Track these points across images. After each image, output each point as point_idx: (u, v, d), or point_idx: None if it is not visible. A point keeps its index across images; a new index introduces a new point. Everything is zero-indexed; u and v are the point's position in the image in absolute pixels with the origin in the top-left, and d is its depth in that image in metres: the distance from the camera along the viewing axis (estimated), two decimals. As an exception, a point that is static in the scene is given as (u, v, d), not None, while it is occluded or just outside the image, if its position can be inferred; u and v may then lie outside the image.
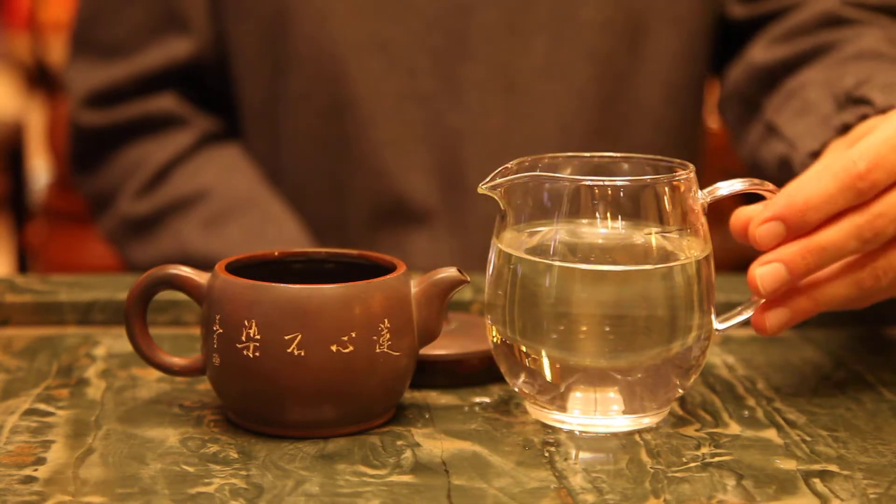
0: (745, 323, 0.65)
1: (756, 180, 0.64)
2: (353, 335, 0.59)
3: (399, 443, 0.60)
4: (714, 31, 1.04)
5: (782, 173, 0.84)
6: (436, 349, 0.66)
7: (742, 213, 0.66)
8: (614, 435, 0.61)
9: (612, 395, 0.61)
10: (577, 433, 0.61)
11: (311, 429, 0.60)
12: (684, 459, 0.59)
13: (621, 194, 0.60)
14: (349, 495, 0.54)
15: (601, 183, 0.60)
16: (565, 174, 0.63)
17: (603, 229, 0.61)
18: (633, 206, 0.61)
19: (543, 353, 0.61)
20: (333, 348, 0.58)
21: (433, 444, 0.60)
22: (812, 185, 0.62)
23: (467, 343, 0.68)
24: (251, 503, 0.53)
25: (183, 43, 1.02)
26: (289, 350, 0.58)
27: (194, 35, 1.01)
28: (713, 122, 1.36)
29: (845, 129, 0.77)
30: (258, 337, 0.58)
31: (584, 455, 0.59)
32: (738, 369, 0.72)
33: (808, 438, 0.61)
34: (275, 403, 0.60)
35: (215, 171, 1.02)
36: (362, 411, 0.61)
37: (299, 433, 0.60)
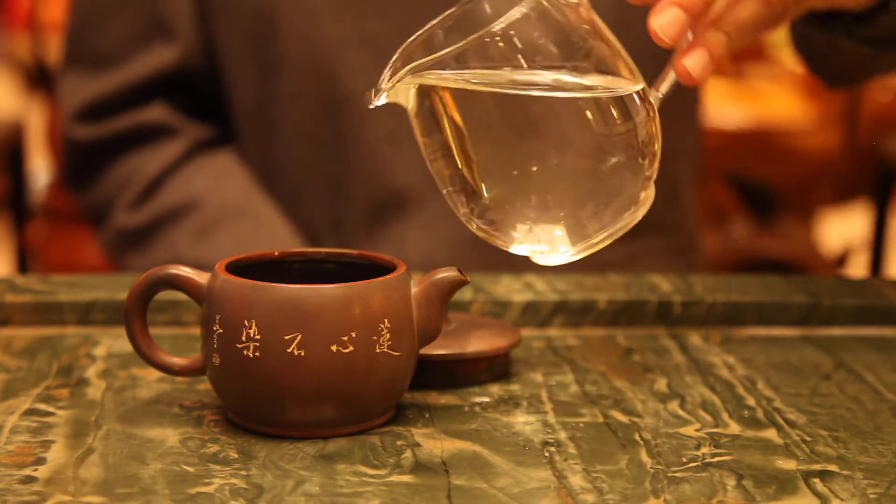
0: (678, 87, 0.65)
1: None
2: (353, 335, 0.59)
3: (399, 443, 0.60)
4: None
5: None
6: (436, 349, 0.66)
7: None
8: (614, 434, 0.61)
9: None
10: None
11: (311, 429, 0.60)
12: (684, 459, 0.59)
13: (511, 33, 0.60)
14: (349, 495, 0.54)
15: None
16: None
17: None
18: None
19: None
20: (333, 348, 0.58)
21: (433, 444, 0.60)
22: None
23: (467, 343, 0.68)
24: (251, 503, 0.53)
25: (169, 51, 1.01)
26: (289, 350, 0.58)
27: (180, 42, 1.01)
28: (710, 121, 1.36)
29: None
30: (258, 337, 0.59)
31: (584, 455, 0.59)
32: (738, 369, 0.72)
33: (808, 438, 0.61)
34: (275, 403, 0.60)
35: (207, 179, 1.02)
36: (362, 411, 0.61)
37: (299, 433, 0.60)
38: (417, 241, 0.99)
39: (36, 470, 0.56)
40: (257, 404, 0.60)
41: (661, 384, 0.69)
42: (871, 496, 0.55)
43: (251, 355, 0.59)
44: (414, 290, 0.62)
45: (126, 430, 0.61)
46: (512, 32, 0.60)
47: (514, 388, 0.68)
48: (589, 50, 0.61)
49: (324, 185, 1.01)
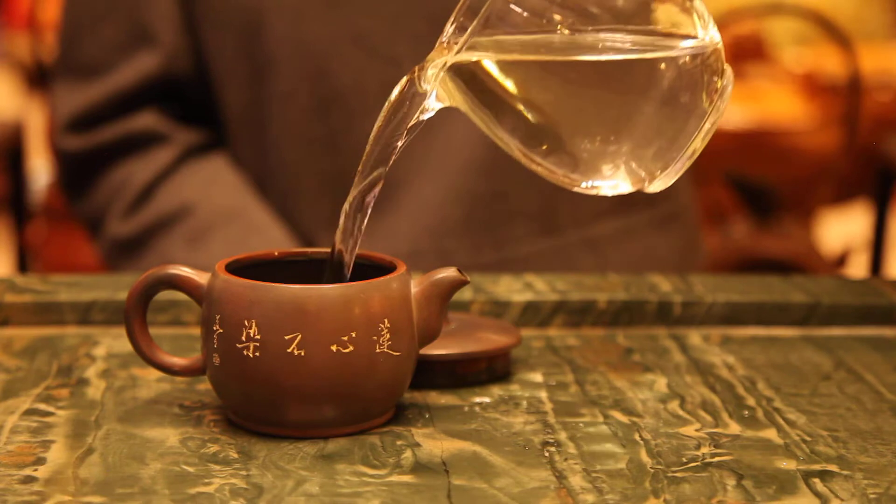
0: None
1: None
2: (353, 335, 0.59)
3: (399, 443, 0.60)
4: None
5: None
6: (436, 349, 0.66)
7: None
8: (614, 434, 0.61)
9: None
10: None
11: (311, 429, 0.60)
12: (684, 459, 0.59)
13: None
14: (349, 495, 0.54)
15: None
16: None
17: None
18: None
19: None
20: (333, 348, 0.58)
21: (433, 444, 0.60)
22: None
23: (467, 343, 0.68)
24: (251, 503, 0.53)
25: (153, 57, 1.01)
26: (289, 350, 0.58)
27: (164, 48, 1.00)
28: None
29: None
30: (258, 337, 0.59)
31: (584, 455, 0.59)
32: (738, 369, 0.72)
33: (808, 438, 0.61)
34: (275, 403, 0.60)
35: (198, 185, 1.02)
36: (362, 411, 0.61)
37: (299, 433, 0.60)
38: (406, 230, 0.99)
39: (36, 470, 0.56)
40: (257, 404, 0.60)
41: (661, 384, 0.69)
42: (871, 496, 0.55)
43: (251, 355, 0.59)
44: (414, 290, 0.62)
45: (126, 430, 0.61)
46: None
47: (514, 388, 0.68)
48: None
49: (318, 184, 1.01)
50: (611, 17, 0.61)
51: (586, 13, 0.61)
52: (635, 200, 1.00)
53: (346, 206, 0.62)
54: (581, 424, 0.63)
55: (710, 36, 0.61)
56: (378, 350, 0.59)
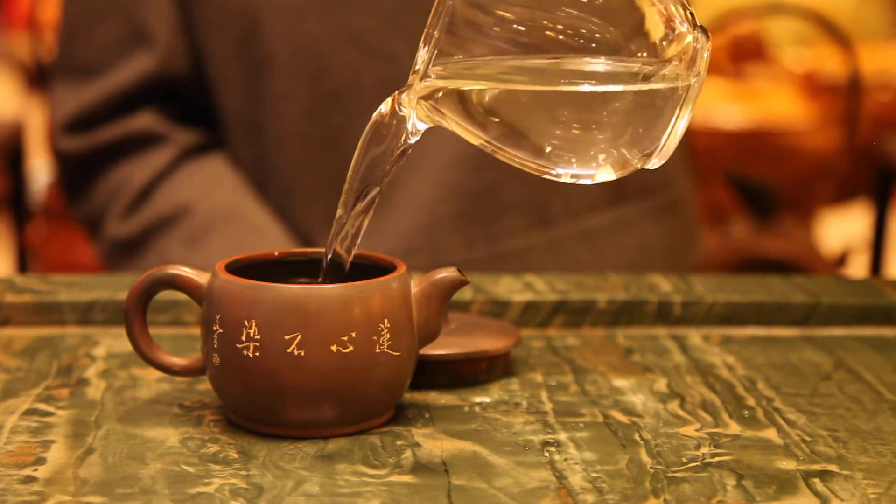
0: None
1: None
2: (353, 335, 0.59)
3: (399, 443, 0.60)
4: None
5: None
6: (436, 349, 0.66)
7: None
8: (614, 434, 0.61)
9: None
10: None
11: (311, 429, 0.60)
12: (684, 459, 0.59)
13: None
14: (349, 495, 0.54)
15: None
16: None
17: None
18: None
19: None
20: (333, 348, 0.58)
21: (433, 444, 0.60)
22: None
23: (467, 343, 0.68)
24: (251, 503, 0.53)
25: (149, 58, 1.01)
26: (289, 350, 0.58)
27: (160, 48, 1.00)
28: (710, 121, 1.36)
29: None
30: (258, 337, 0.59)
31: (584, 455, 0.59)
32: (738, 369, 0.72)
33: (808, 438, 0.61)
34: (275, 403, 0.60)
35: (196, 185, 1.01)
36: (362, 411, 0.61)
37: (299, 433, 0.60)
38: (400, 228, 0.99)
39: (36, 470, 0.56)
40: (257, 404, 0.60)
41: (661, 384, 0.69)
42: (871, 496, 0.55)
43: (251, 355, 0.59)
44: (414, 290, 0.62)
45: (126, 430, 0.61)
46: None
47: (514, 388, 0.68)
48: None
49: (316, 183, 1.01)
50: (583, 38, 0.60)
51: (555, 31, 0.60)
52: (629, 191, 0.99)
53: (334, 224, 0.62)
54: (581, 424, 0.63)
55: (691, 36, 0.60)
56: (378, 350, 0.59)
